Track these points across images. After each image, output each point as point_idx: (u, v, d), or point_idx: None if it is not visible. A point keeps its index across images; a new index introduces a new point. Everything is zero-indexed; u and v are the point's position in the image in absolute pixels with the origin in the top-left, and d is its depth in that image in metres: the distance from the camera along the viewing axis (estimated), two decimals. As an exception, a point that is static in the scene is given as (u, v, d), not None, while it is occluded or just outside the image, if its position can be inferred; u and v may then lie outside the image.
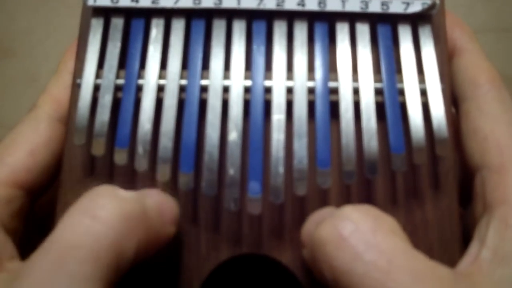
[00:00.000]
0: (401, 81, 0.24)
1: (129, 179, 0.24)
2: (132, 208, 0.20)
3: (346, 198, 0.24)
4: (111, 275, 0.18)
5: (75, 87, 0.24)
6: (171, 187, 0.23)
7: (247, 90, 0.23)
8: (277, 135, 0.23)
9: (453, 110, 0.25)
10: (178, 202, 0.22)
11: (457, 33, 0.25)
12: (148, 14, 0.24)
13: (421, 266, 0.18)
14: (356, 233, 0.19)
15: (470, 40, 0.25)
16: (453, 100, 0.25)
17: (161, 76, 0.24)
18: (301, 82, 0.23)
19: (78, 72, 0.24)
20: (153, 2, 0.24)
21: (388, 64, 0.24)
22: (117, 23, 0.24)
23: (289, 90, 0.23)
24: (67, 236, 0.19)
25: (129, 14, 0.24)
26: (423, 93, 0.23)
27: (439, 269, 0.19)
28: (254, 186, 0.22)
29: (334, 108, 0.23)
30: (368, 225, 0.19)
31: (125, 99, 0.23)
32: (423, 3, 0.24)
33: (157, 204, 0.21)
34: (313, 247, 0.20)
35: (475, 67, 0.24)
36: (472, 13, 0.50)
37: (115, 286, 0.19)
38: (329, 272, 0.19)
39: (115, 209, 0.19)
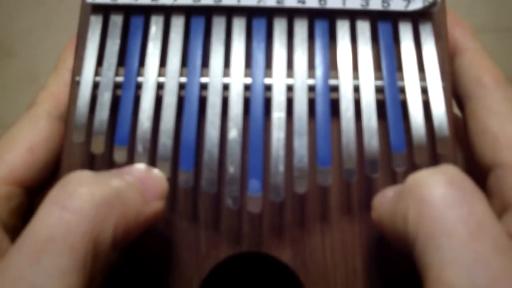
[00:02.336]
0: (402, 79, 0.24)
1: None
2: (104, 192, 0.19)
3: (346, 196, 0.23)
4: (89, 264, 0.18)
5: (74, 85, 0.24)
6: (171, 185, 0.23)
7: (247, 88, 0.23)
8: (277, 133, 0.22)
9: (457, 109, 0.25)
10: (176, 199, 0.22)
11: (458, 31, 0.25)
12: (147, 11, 0.24)
13: (503, 238, 0.18)
14: (456, 185, 0.19)
15: (471, 39, 0.25)
16: (457, 99, 0.25)
17: (161, 73, 0.24)
18: (301, 80, 0.23)
19: (77, 69, 0.24)
20: None
21: (388, 62, 0.24)
22: (116, 20, 0.24)
23: (290, 88, 0.23)
24: (40, 229, 0.18)
25: (128, 11, 0.24)
26: (424, 91, 0.23)
27: None
28: (254, 185, 0.22)
29: (334, 106, 0.23)
30: (468, 184, 0.19)
31: (125, 97, 0.23)
32: (424, 1, 0.24)
33: (137, 181, 0.21)
34: (401, 192, 0.20)
35: (478, 66, 0.24)
36: (472, 13, 0.50)
37: (99, 272, 0.19)
38: (414, 217, 0.19)
39: (85, 196, 0.19)
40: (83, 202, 0.19)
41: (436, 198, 0.19)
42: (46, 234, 0.18)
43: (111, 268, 0.23)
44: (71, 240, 0.18)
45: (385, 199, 0.21)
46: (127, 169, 0.21)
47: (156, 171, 0.22)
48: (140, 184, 0.21)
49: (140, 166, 0.21)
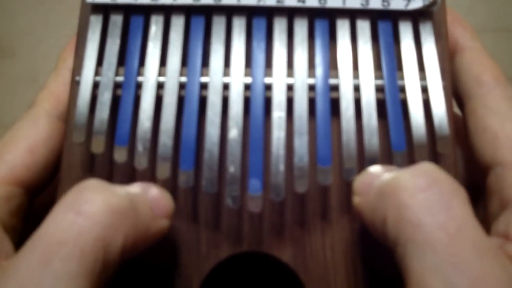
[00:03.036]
0: (402, 78, 0.24)
1: (129, 177, 0.24)
2: (118, 201, 0.19)
3: (347, 195, 0.23)
4: (98, 271, 0.18)
5: (74, 85, 0.24)
6: (171, 185, 0.23)
7: (247, 87, 0.23)
8: (278, 133, 0.22)
9: (456, 108, 0.25)
10: (176, 199, 0.22)
11: (458, 30, 0.25)
12: (147, 11, 0.24)
13: (483, 241, 0.18)
14: (436, 189, 0.19)
15: (471, 38, 0.25)
16: (457, 98, 0.25)
17: (161, 73, 0.24)
18: (301, 79, 0.23)
19: (77, 69, 0.24)
20: None
21: (389, 61, 0.24)
22: (116, 20, 0.24)
23: (290, 87, 0.23)
24: (52, 232, 0.18)
25: (128, 10, 0.24)
26: (424, 90, 0.23)
27: (499, 251, 0.19)
28: (254, 184, 0.22)
29: (334, 105, 0.23)
30: (448, 186, 0.19)
31: (125, 97, 0.23)
32: (424, 0, 0.24)
33: (148, 197, 0.21)
34: (382, 191, 0.20)
35: (478, 64, 0.24)
36: (472, 13, 0.50)
37: (106, 281, 0.19)
38: (393, 220, 0.19)
39: (100, 203, 0.19)
40: (97, 209, 0.19)
41: (415, 203, 0.18)
42: (58, 237, 0.18)
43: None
44: (82, 245, 0.18)
45: (368, 189, 0.21)
46: (140, 184, 0.21)
47: (164, 192, 0.22)
48: (151, 200, 0.21)
49: (152, 184, 0.22)
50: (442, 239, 0.17)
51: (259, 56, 0.24)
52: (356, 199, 0.21)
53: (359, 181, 0.21)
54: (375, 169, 0.21)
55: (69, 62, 0.25)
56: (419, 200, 0.18)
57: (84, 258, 0.18)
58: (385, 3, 0.24)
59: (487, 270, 0.17)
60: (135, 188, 0.21)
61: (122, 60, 0.24)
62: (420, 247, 0.18)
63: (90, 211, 0.19)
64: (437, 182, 0.19)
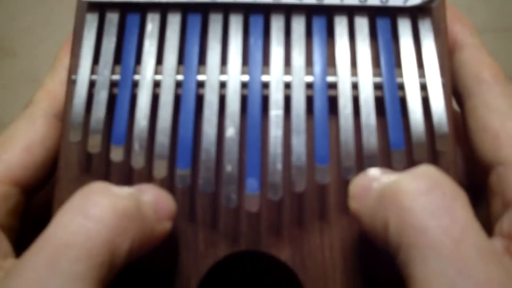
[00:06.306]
0: (401, 75, 0.23)
1: (126, 176, 0.24)
2: (126, 205, 0.19)
3: (345, 194, 0.23)
4: (104, 273, 0.18)
5: (71, 84, 0.24)
6: (168, 184, 0.23)
7: (244, 85, 0.23)
8: (275, 131, 0.22)
9: (455, 106, 0.25)
10: (175, 199, 0.22)
11: (457, 27, 0.25)
12: (143, 9, 0.24)
13: (486, 245, 0.18)
14: (437, 192, 0.18)
15: (471, 35, 0.25)
16: (456, 96, 0.25)
17: (157, 71, 0.23)
18: (299, 77, 0.23)
19: (73, 68, 0.24)
20: None
21: (387, 58, 0.23)
22: (112, 18, 0.24)
23: (287, 85, 0.23)
24: (60, 234, 0.18)
25: (124, 8, 0.24)
26: (423, 87, 0.23)
27: (501, 254, 0.19)
28: (252, 183, 0.22)
29: (332, 103, 0.23)
30: (450, 189, 0.19)
31: (121, 95, 0.23)
32: (423, -4, 0.24)
33: (152, 200, 0.21)
34: (382, 195, 0.19)
35: (477, 62, 0.24)
36: (472, 13, 0.50)
37: (109, 284, 0.19)
38: (395, 225, 0.18)
39: (108, 206, 0.19)
40: (106, 212, 0.19)
41: (418, 207, 0.18)
42: (66, 240, 0.18)
43: None
44: (90, 248, 0.18)
45: (365, 193, 0.20)
46: (143, 187, 0.22)
47: (166, 193, 0.22)
48: (155, 202, 0.21)
49: (154, 186, 0.22)
50: (446, 244, 0.17)
51: (256, 54, 0.23)
52: (353, 204, 0.21)
53: (355, 185, 0.21)
54: (372, 172, 0.21)
55: (65, 61, 0.25)
56: (421, 203, 0.18)
57: (91, 260, 0.18)
58: (384, 0, 0.24)
59: (492, 274, 0.17)
60: (139, 190, 0.21)
61: (118, 58, 0.24)
62: (424, 252, 0.17)
63: (99, 215, 0.19)
64: (438, 185, 0.19)
